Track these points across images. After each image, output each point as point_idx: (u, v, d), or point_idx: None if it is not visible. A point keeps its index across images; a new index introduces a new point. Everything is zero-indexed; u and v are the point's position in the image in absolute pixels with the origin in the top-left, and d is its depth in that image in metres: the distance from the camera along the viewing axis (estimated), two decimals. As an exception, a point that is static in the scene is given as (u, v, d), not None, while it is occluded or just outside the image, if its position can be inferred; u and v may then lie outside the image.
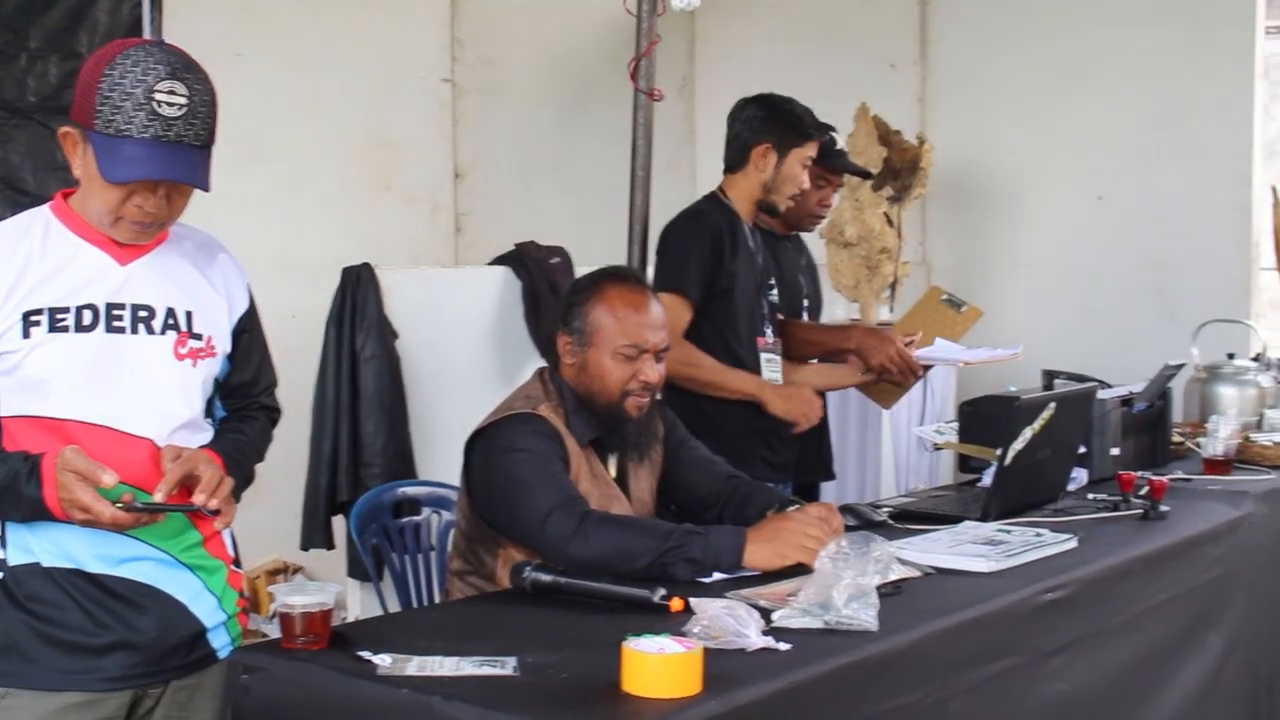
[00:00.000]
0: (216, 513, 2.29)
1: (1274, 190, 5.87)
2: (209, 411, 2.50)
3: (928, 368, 4.23)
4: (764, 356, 4.01)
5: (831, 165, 4.31)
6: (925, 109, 6.78)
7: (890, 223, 5.95)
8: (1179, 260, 5.98)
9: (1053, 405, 3.38)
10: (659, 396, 3.14)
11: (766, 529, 2.81)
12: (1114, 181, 6.20)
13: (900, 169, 6.05)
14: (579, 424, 3.01)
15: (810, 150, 4.03)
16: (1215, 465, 4.00)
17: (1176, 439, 4.32)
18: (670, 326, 3.26)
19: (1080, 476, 3.79)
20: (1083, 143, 6.29)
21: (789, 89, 6.88)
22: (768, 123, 3.99)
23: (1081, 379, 4.20)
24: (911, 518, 3.35)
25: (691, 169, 7.46)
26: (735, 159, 4.03)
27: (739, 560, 2.75)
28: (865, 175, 4.93)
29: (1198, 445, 4.11)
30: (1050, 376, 4.15)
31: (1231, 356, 4.83)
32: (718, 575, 2.74)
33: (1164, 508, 3.42)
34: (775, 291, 4.11)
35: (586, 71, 6.71)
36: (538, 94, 6.66)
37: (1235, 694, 3.51)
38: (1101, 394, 3.94)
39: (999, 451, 3.34)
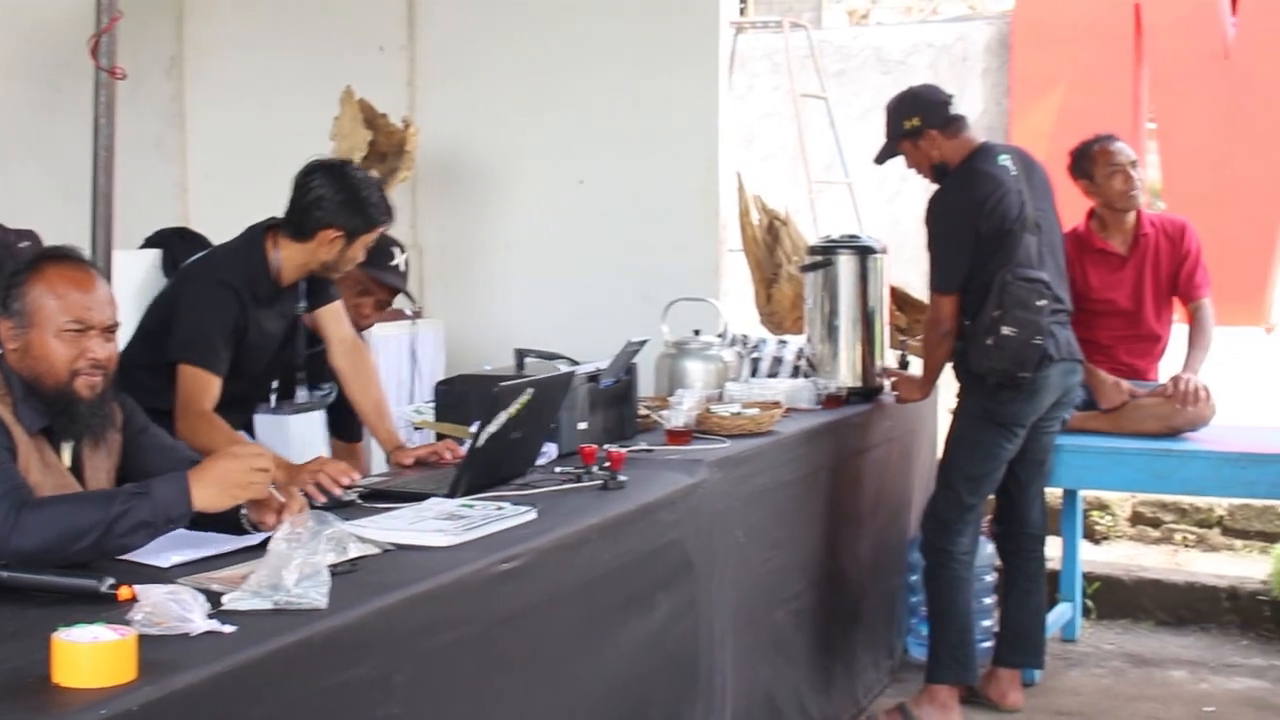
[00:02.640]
0: None
1: (738, 176, 6.24)
2: None
3: None
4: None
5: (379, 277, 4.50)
6: (414, 92, 6.83)
7: (377, 205, 5.96)
8: (654, 242, 6.23)
9: (531, 391, 3.49)
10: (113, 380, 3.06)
11: (208, 469, 2.75)
12: (594, 166, 6.42)
13: (387, 152, 6.09)
14: (28, 412, 2.90)
15: (374, 234, 4.04)
16: (676, 436, 4.20)
17: (644, 412, 4.52)
18: (189, 397, 3.64)
19: (550, 450, 3.93)
20: (565, 128, 6.48)
21: (278, 71, 6.89)
22: (343, 209, 3.93)
23: (552, 356, 4.36)
24: (381, 497, 3.39)
25: (181, 151, 7.28)
26: (301, 230, 3.96)
27: (189, 506, 2.69)
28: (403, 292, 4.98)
29: (662, 418, 4.31)
30: (521, 355, 4.28)
31: (697, 333, 5.10)
32: (178, 557, 2.71)
33: (623, 478, 3.58)
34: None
35: (60, 47, 6.42)
36: (5, 68, 6.33)
37: (682, 651, 3.71)
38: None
39: (473, 430, 3.43)
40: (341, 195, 3.95)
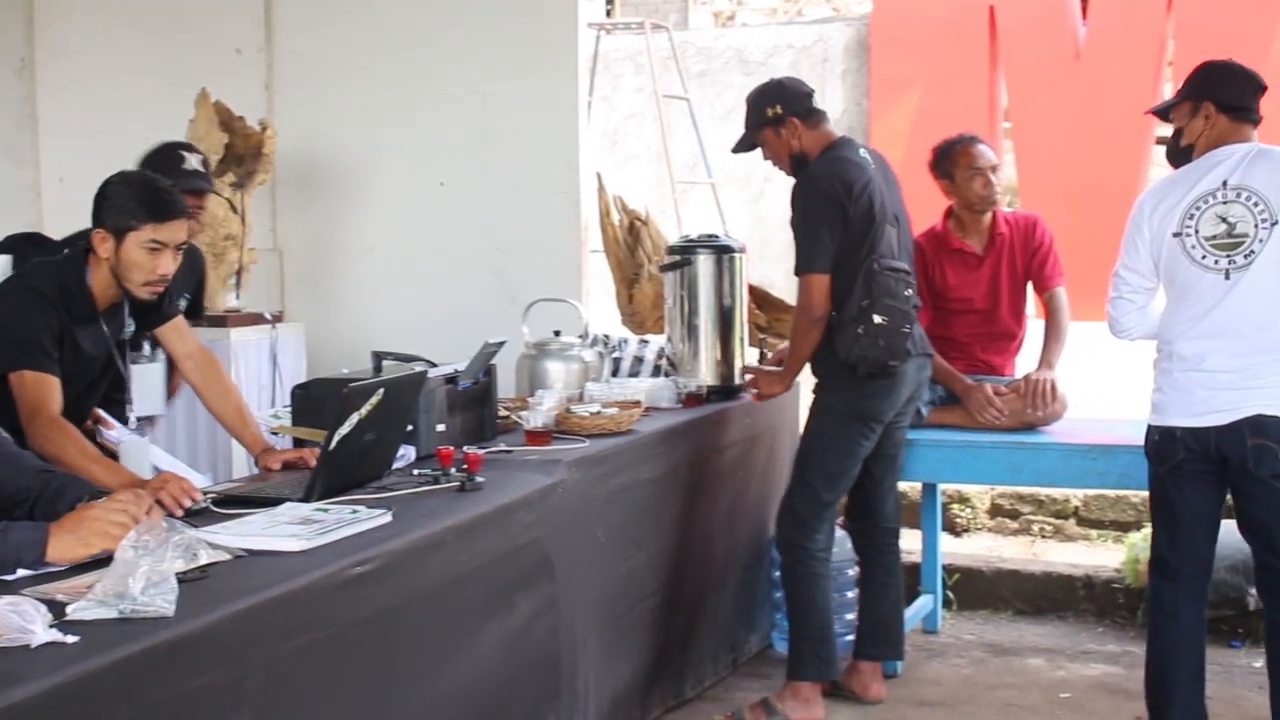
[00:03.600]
0: None
1: (598, 177, 6.26)
2: None
3: None
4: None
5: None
6: (272, 95, 6.77)
7: (234, 209, 5.91)
8: (517, 244, 6.24)
9: (381, 391, 3.47)
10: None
11: (70, 520, 2.74)
12: (456, 168, 6.41)
13: (244, 155, 6.02)
14: None
15: (146, 229, 3.75)
16: (536, 436, 4.21)
17: (503, 413, 4.52)
18: (34, 405, 3.63)
19: (409, 453, 3.92)
20: (426, 130, 6.46)
21: (132, 73, 6.78)
22: (100, 207, 3.78)
23: (409, 358, 4.34)
24: (235, 502, 3.36)
25: (34, 154, 7.16)
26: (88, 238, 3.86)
27: (41, 555, 2.67)
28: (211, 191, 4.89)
29: (521, 419, 4.32)
30: (379, 357, 4.26)
31: (558, 333, 5.11)
32: (21, 572, 2.67)
33: (480, 479, 3.59)
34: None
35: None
36: None
37: (543, 651, 3.72)
38: (428, 373, 4.08)
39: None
40: (102, 195, 3.80)
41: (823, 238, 4.65)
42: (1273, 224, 4.05)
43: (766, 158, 4.92)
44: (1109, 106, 9.19)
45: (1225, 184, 4.12)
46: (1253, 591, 5.50)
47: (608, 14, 19.24)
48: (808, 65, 10.22)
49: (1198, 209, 4.14)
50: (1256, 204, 4.07)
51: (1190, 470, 4.16)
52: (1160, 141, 10.31)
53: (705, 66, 10.69)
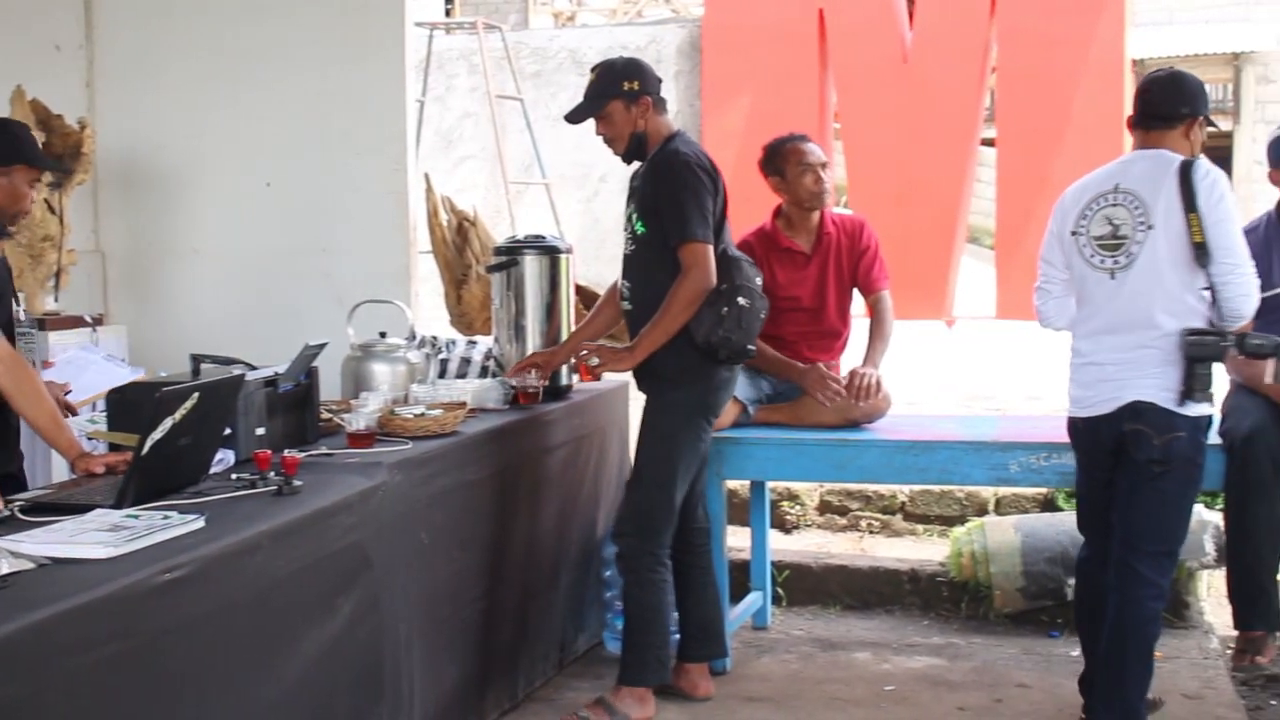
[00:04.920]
0: None
1: (426, 177, 6.23)
2: None
3: None
4: None
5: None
6: (94, 93, 6.61)
7: (52, 210, 5.78)
8: (344, 245, 6.18)
9: (196, 395, 3.42)
10: None
11: None
12: (283, 168, 6.32)
13: (62, 154, 5.89)
14: None
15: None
16: (358, 439, 4.18)
17: (326, 416, 4.48)
18: None
19: (228, 457, 3.86)
20: (252, 130, 6.36)
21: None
22: None
23: (229, 361, 4.28)
24: (43, 510, 3.29)
25: None
26: None
27: None
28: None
29: (344, 421, 4.28)
30: (198, 360, 4.20)
31: (384, 335, 5.08)
32: None
33: (298, 482, 3.56)
34: None
35: None
36: None
37: (366, 655, 3.70)
38: (247, 376, 4.03)
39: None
40: None
41: (705, 205, 4.61)
42: (1149, 228, 4.25)
43: (600, 132, 4.80)
44: (935, 108, 9.38)
45: (1117, 187, 4.34)
46: (1070, 582, 5.65)
47: (448, 13, 19.16)
48: (641, 67, 10.25)
49: (1091, 210, 4.37)
50: (1137, 207, 4.29)
51: (1093, 460, 4.45)
52: (986, 143, 10.59)
53: (540, 67, 10.71)
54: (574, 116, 4.85)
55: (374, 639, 3.74)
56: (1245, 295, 4.24)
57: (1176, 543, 4.40)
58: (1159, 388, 4.24)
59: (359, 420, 4.21)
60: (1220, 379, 4.98)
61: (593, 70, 4.87)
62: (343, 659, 3.57)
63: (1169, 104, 4.39)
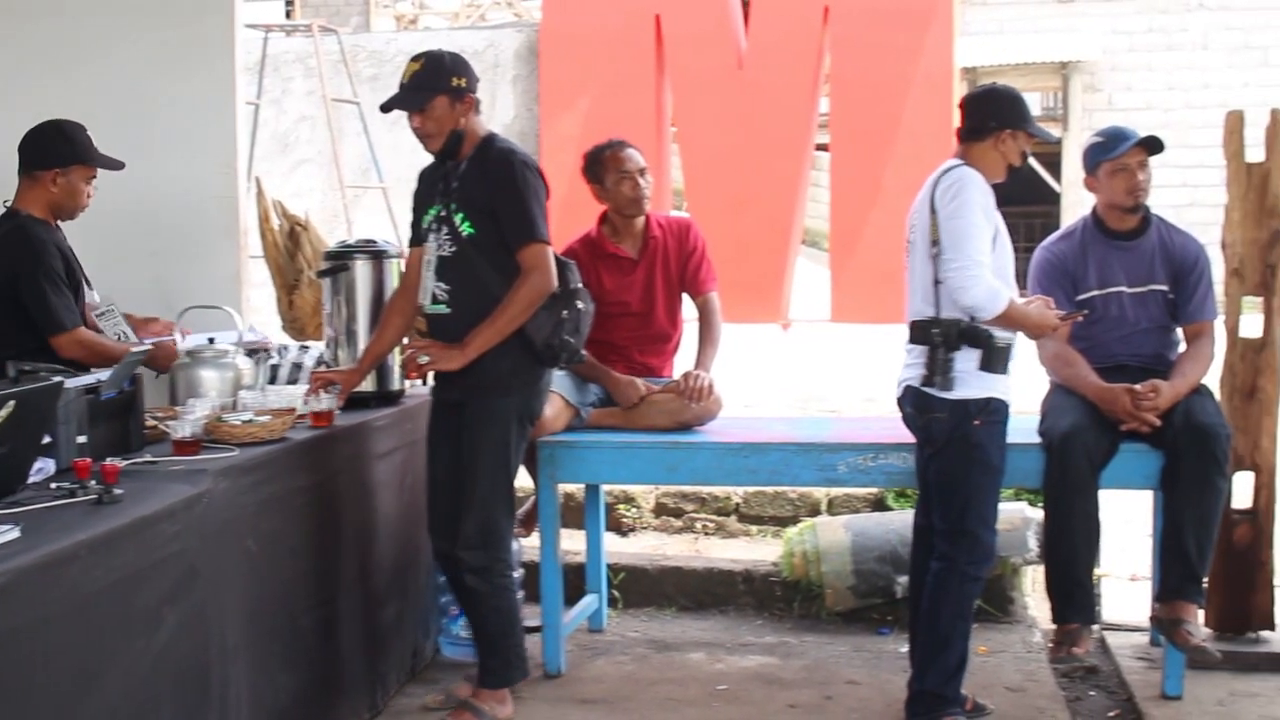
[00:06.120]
0: None
1: (257, 181, 6.17)
2: None
3: None
4: None
5: None
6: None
7: None
8: (173, 250, 6.06)
9: (12, 403, 3.35)
10: None
11: None
12: (107, 173, 6.16)
13: None
14: None
15: None
16: (184, 446, 4.11)
17: (152, 423, 4.42)
18: None
19: (48, 466, 3.79)
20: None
21: None
22: None
23: (49, 369, 4.19)
24: None
25: None
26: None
27: None
28: None
29: (170, 428, 4.23)
30: (17, 369, 4.10)
31: (212, 341, 5.02)
32: None
33: (119, 491, 3.50)
34: None
35: None
36: None
37: (191, 665, 3.65)
38: (67, 383, 3.95)
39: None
40: None
41: (544, 206, 4.62)
42: (914, 228, 4.68)
43: (417, 127, 4.67)
44: (770, 114, 9.50)
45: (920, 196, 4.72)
46: (900, 580, 5.78)
47: (288, 15, 18.93)
48: (479, 71, 10.08)
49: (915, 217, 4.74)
50: (916, 212, 4.70)
51: (916, 442, 4.83)
52: (821, 149, 10.75)
53: (378, 70, 10.65)
54: (392, 106, 4.72)
55: (200, 650, 3.69)
56: (961, 288, 4.49)
57: (971, 524, 4.61)
58: (917, 373, 4.63)
59: (184, 427, 4.16)
60: (1042, 380, 5.16)
61: (415, 59, 4.73)
62: (167, 670, 3.52)
63: (978, 117, 4.69)
